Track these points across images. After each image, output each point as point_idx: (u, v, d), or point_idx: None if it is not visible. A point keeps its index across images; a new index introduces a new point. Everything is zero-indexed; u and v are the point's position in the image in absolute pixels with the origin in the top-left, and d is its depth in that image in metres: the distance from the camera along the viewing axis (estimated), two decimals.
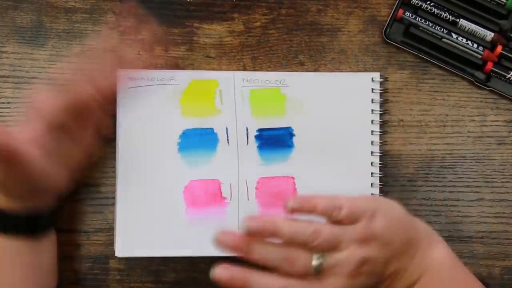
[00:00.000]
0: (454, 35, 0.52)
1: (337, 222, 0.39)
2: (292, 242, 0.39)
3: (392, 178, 0.49)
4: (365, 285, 0.40)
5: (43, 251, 0.48)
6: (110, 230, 0.52)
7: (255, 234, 0.39)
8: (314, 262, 0.38)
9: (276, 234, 0.39)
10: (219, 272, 0.38)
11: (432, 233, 0.43)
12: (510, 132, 0.53)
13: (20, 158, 0.41)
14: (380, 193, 0.52)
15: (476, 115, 0.53)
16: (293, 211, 0.39)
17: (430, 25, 0.52)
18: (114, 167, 0.52)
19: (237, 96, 0.52)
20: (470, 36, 0.53)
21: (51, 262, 0.49)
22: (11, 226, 0.45)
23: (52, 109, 0.44)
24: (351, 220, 0.39)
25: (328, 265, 0.39)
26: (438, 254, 0.42)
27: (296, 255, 0.39)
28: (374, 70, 0.53)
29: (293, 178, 0.52)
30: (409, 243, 0.41)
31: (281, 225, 0.39)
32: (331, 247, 0.39)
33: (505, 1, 0.52)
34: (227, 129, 0.52)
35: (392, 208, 0.42)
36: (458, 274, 0.43)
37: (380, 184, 0.52)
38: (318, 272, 0.39)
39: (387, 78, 0.53)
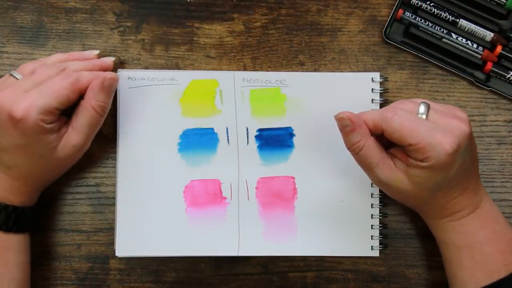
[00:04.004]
0: (454, 35, 0.52)
1: None
2: None
3: None
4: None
5: (26, 248, 0.48)
6: (110, 230, 0.52)
7: None
8: None
9: None
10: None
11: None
12: (510, 132, 0.53)
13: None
14: (380, 193, 0.52)
15: (476, 115, 0.53)
16: None
17: (430, 25, 0.52)
18: (114, 167, 0.52)
19: (237, 96, 0.52)
20: (470, 36, 0.53)
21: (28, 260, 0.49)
22: (13, 221, 0.46)
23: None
24: None
25: None
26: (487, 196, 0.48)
27: None
28: (374, 70, 0.53)
29: (293, 178, 0.52)
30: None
31: None
32: None
33: (505, 1, 0.52)
34: (227, 129, 0.52)
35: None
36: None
37: None
38: None
39: (387, 78, 0.53)
